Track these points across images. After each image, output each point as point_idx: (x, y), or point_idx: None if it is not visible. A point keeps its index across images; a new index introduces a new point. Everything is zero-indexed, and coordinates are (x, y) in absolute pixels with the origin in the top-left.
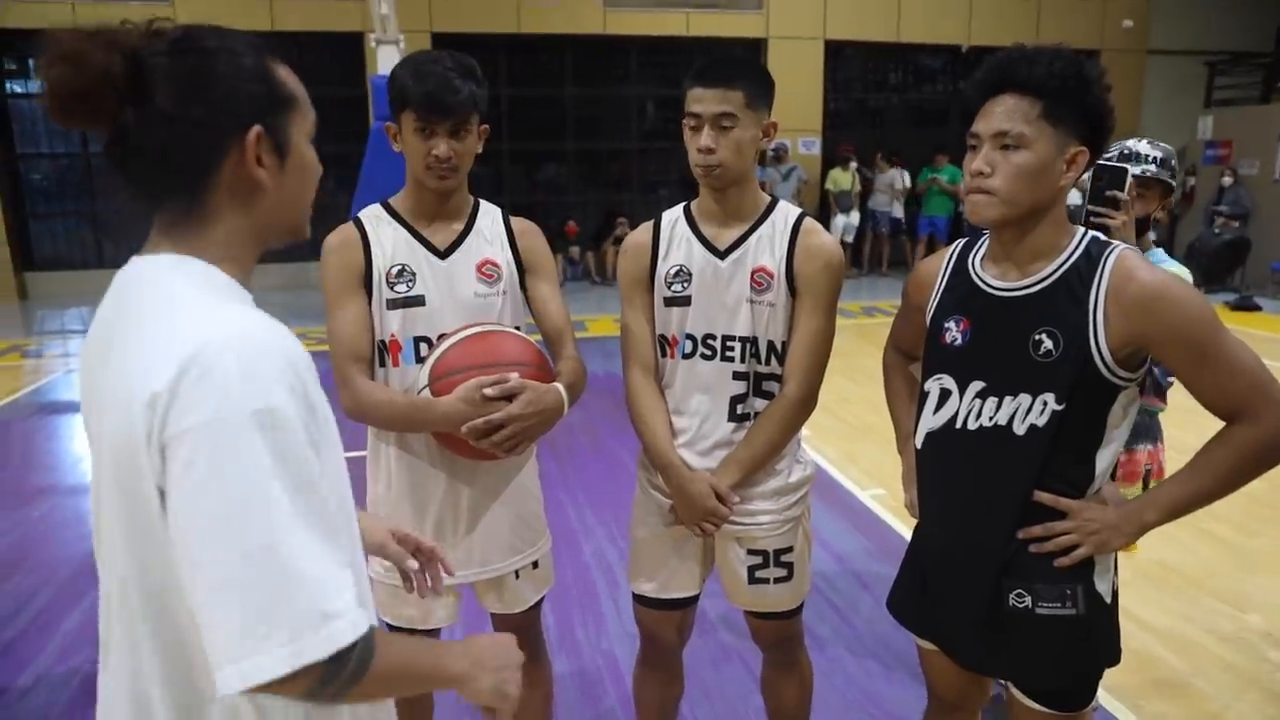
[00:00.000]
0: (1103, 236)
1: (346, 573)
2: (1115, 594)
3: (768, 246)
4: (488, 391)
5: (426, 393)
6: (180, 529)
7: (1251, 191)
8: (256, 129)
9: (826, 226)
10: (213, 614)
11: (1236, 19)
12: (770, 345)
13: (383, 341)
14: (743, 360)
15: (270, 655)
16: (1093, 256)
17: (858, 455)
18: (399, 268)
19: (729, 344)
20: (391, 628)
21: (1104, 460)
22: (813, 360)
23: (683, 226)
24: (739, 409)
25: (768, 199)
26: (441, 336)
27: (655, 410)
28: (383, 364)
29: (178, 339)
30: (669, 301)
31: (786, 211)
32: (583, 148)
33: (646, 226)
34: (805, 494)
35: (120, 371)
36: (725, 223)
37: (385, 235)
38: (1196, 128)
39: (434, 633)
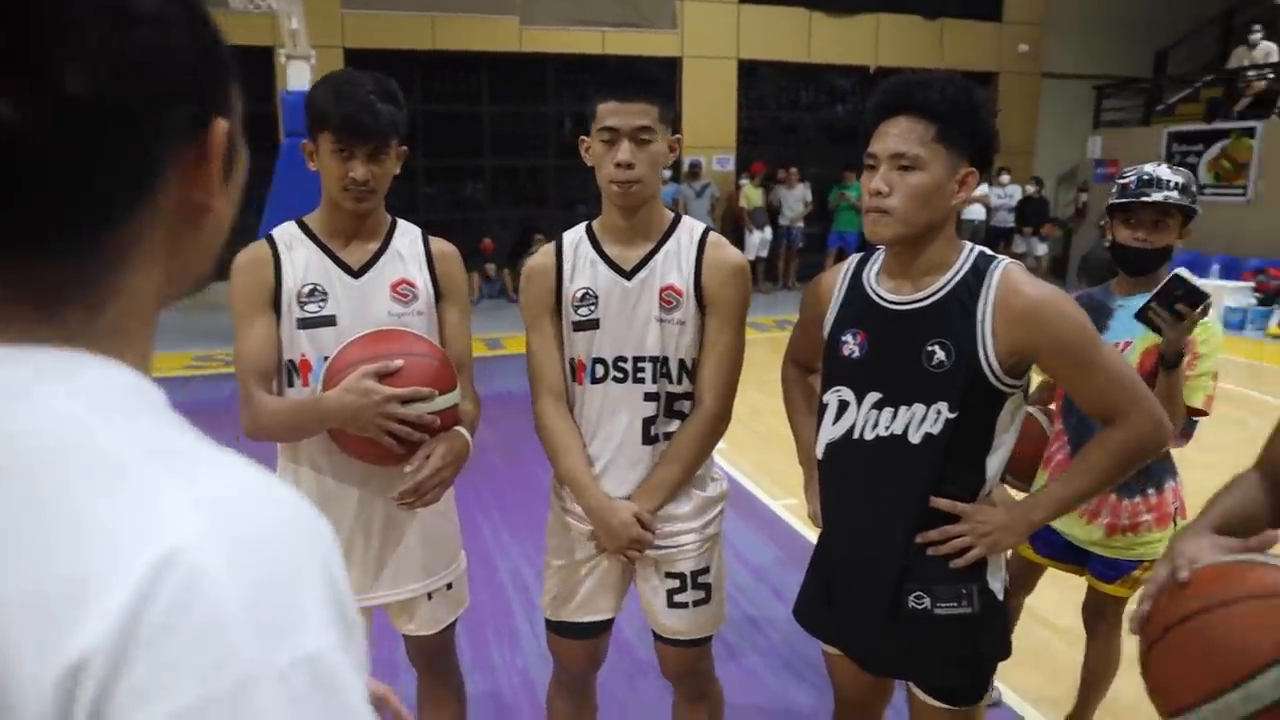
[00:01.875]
0: (989, 251)
1: None
2: (1006, 591)
3: (674, 264)
4: (400, 394)
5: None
6: None
7: None
8: (222, 124)
9: (741, 242)
10: None
11: (1120, 47)
12: (681, 364)
13: (292, 361)
14: (654, 381)
15: None
16: (980, 271)
17: (770, 466)
18: (310, 287)
19: (640, 365)
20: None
21: (994, 464)
22: (725, 375)
23: (586, 248)
24: (652, 430)
25: (671, 215)
26: None
27: (569, 439)
28: (291, 384)
29: (114, 545)
30: (578, 326)
31: (691, 227)
32: (500, 164)
33: (548, 249)
34: (721, 511)
35: None
36: (631, 242)
37: (298, 254)
38: (1087, 147)
39: None
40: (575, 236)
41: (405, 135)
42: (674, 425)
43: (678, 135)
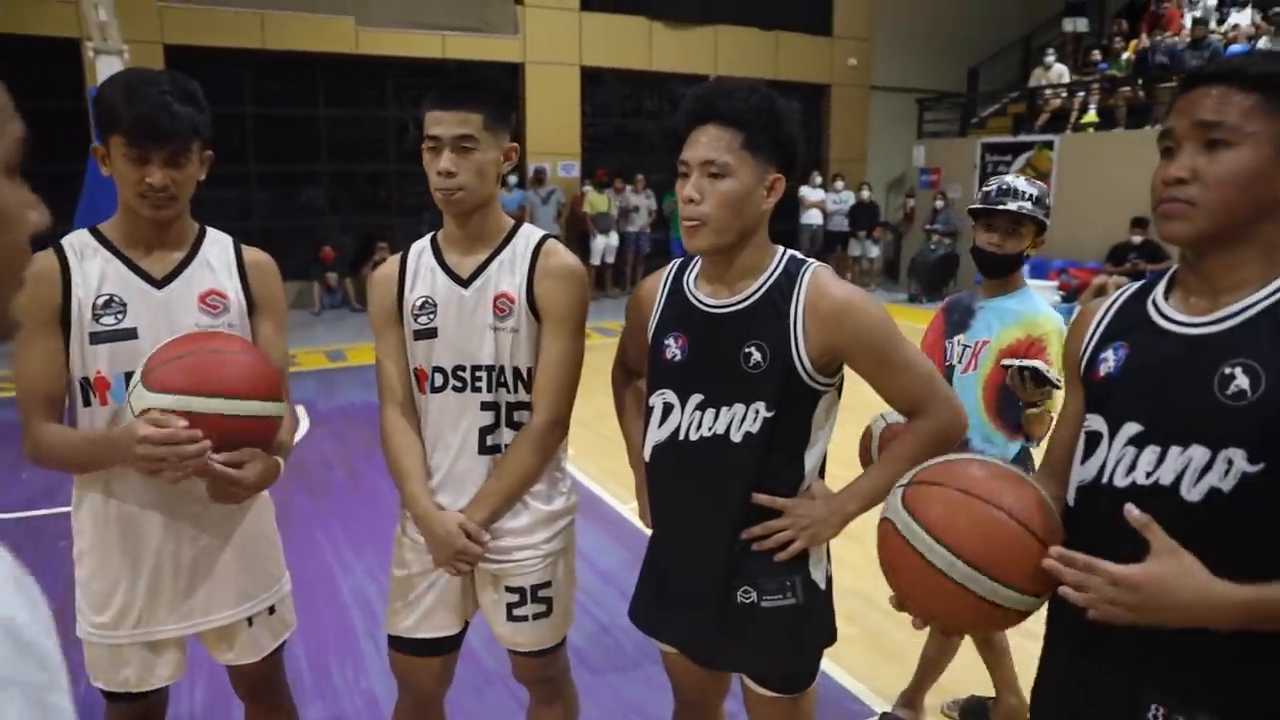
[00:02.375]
0: (800, 255)
1: None
2: (829, 580)
3: (509, 271)
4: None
5: (139, 389)
6: None
7: (959, 212)
8: None
9: (586, 248)
10: None
11: (938, 63)
12: (516, 372)
13: (86, 379)
14: (490, 390)
15: None
16: (791, 274)
17: (616, 470)
18: (106, 298)
19: (477, 374)
20: (108, 694)
21: (811, 460)
22: (559, 384)
23: (428, 256)
24: (489, 440)
25: (511, 223)
26: None
27: (407, 449)
28: (87, 403)
29: None
30: (417, 335)
31: (529, 235)
32: (339, 170)
33: (395, 259)
34: (567, 525)
35: None
36: (469, 250)
37: (91, 264)
38: (913, 155)
39: (158, 693)
40: (421, 245)
41: (207, 137)
42: (511, 435)
43: (514, 143)
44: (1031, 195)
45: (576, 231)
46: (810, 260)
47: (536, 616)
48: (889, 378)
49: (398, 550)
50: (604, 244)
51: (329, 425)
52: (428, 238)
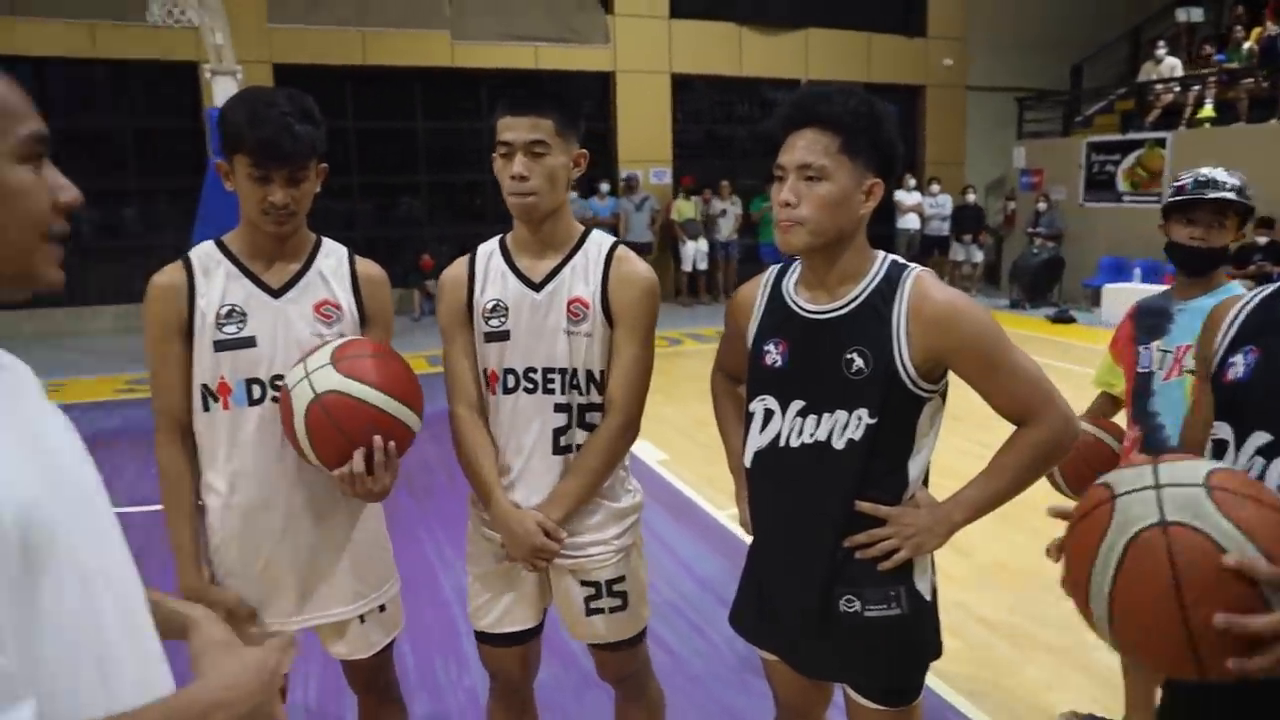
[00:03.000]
0: (901, 260)
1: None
2: (934, 591)
3: (582, 277)
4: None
5: (328, 370)
6: None
7: (1063, 215)
8: None
9: (677, 256)
10: None
11: (1039, 61)
12: (590, 375)
13: (207, 385)
14: (563, 392)
15: None
16: (893, 279)
17: (714, 477)
18: (229, 309)
19: (549, 376)
20: None
21: (915, 468)
22: (632, 388)
23: (498, 259)
24: (562, 440)
25: (581, 229)
26: (276, 378)
27: (480, 448)
28: (207, 409)
29: None
30: (488, 337)
31: (600, 241)
32: (437, 180)
33: (463, 262)
34: (636, 521)
35: None
36: (540, 254)
37: (215, 276)
38: (1012, 157)
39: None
40: (489, 249)
41: (323, 152)
42: (584, 436)
43: (583, 150)
44: (1234, 185)
45: (669, 238)
46: (912, 265)
47: (613, 610)
48: (996, 384)
49: (473, 549)
50: (694, 250)
51: (430, 429)
52: (495, 241)
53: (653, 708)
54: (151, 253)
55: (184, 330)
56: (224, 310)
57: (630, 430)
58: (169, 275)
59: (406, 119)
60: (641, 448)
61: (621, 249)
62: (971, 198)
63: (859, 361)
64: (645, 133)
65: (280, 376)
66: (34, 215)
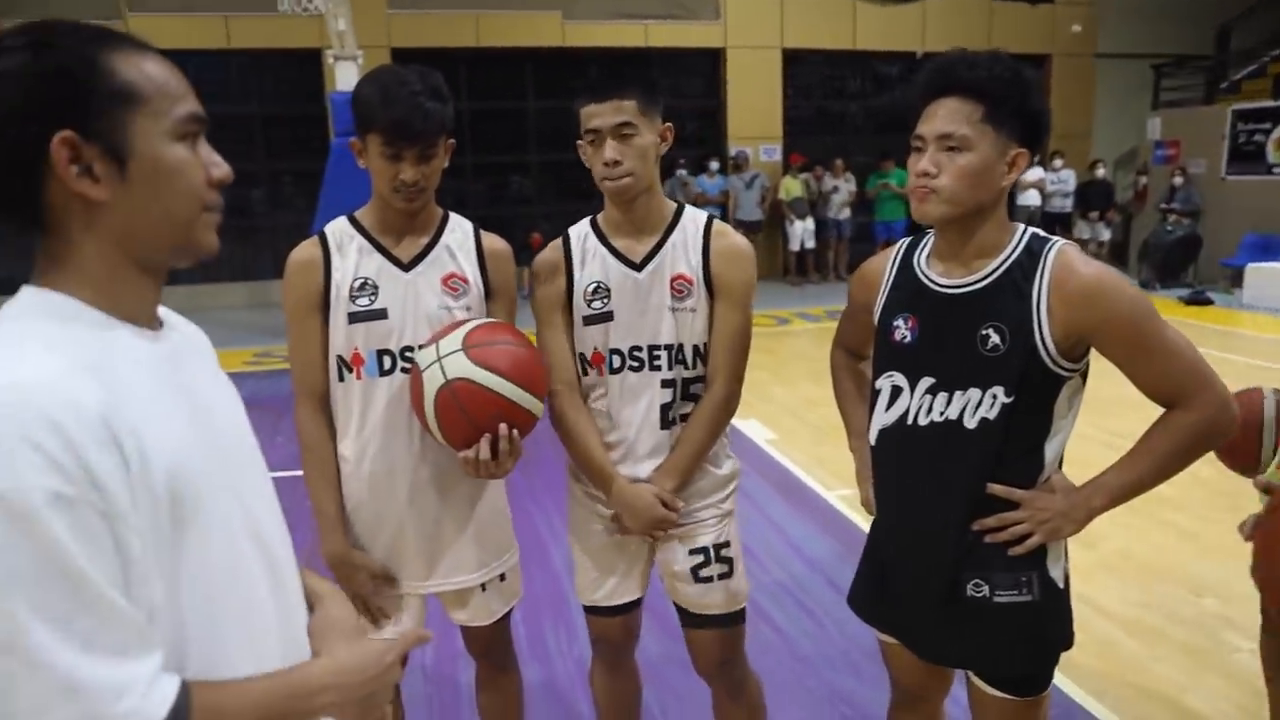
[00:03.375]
0: (1043, 233)
1: (133, 665)
2: (1068, 579)
3: (683, 254)
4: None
5: (460, 356)
6: None
7: (1201, 189)
8: (61, 135)
9: (784, 234)
10: None
11: (1179, 24)
12: (695, 349)
13: (341, 357)
14: (669, 368)
15: None
16: (1034, 252)
17: (824, 458)
18: (361, 281)
19: (655, 353)
20: None
21: (1052, 450)
22: (735, 358)
23: (593, 241)
24: (670, 415)
25: (674, 206)
26: (405, 350)
27: (586, 426)
28: (341, 379)
29: None
30: (590, 320)
31: (695, 217)
32: (547, 159)
33: (557, 245)
34: (735, 488)
35: None
36: (637, 235)
37: (349, 250)
38: (1146, 129)
39: None
40: (581, 231)
41: (452, 129)
42: (689, 408)
43: (668, 124)
44: None
45: (778, 216)
46: (1055, 238)
47: (721, 576)
48: (1145, 364)
49: (575, 520)
50: (801, 229)
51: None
52: (586, 222)
53: (754, 706)
54: (277, 232)
55: (321, 303)
56: (357, 283)
57: (734, 400)
58: (306, 250)
59: (518, 99)
60: (750, 427)
61: (718, 223)
62: (1100, 172)
63: (995, 338)
64: (755, 109)
65: (410, 348)
66: (193, 189)
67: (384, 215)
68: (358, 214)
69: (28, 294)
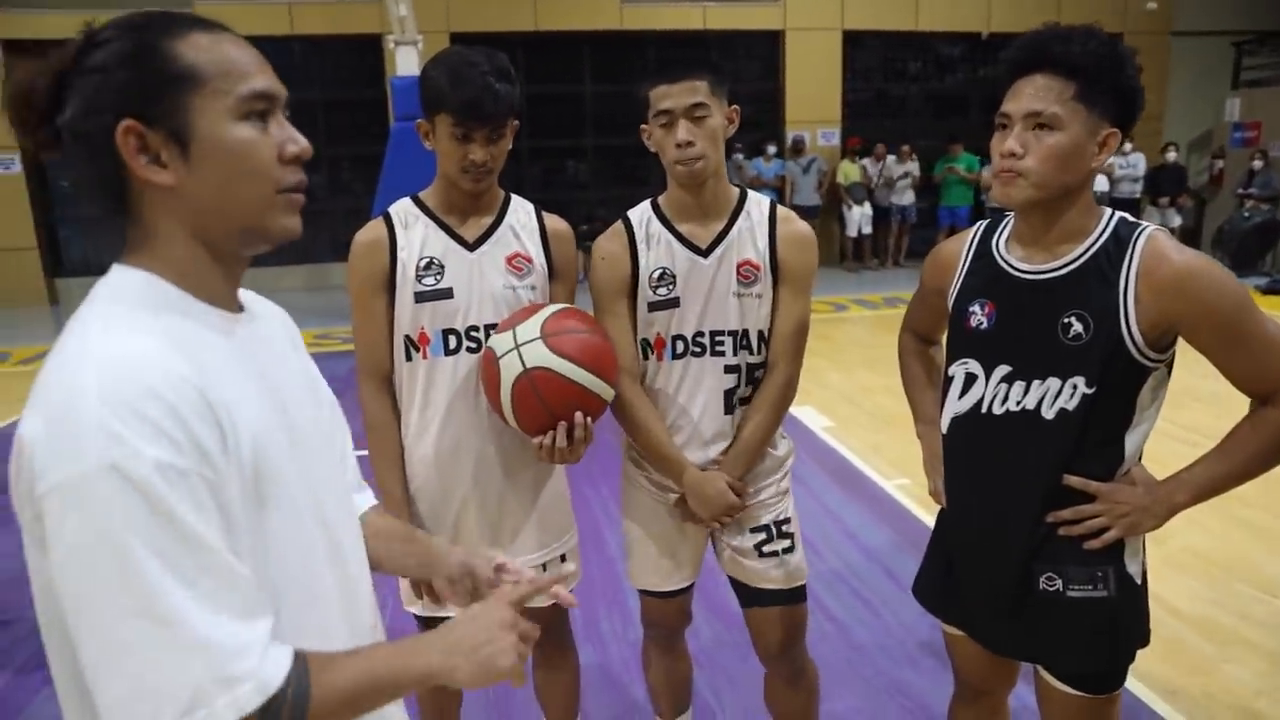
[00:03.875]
0: (1130, 217)
1: (251, 627)
2: (1145, 575)
3: (749, 239)
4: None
5: (539, 345)
6: (61, 599)
7: None
8: (124, 124)
9: (841, 219)
10: (100, 693)
11: None
12: (760, 335)
13: (408, 336)
14: (734, 353)
15: None
16: (1122, 238)
17: (882, 446)
18: (427, 260)
19: (718, 339)
20: (422, 619)
21: (1133, 442)
22: (798, 343)
23: (657, 226)
24: (732, 400)
25: (737, 190)
26: (471, 329)
27: (650, 414)
28: (409, 358)
29: (50, 378)
30: (655, 305)
31: (759, 201)
32: (602, 144)
33: (619, 230)
34: (790, 468)
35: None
36: (702, 219)
37: (414, 230)
38: (1223, 110)
39: None
40: (642, 215)
41: (519, 111)
42: (752, 392)
43: (734, 106)
44: None
45: (835, 201)
46: (1145, 223)
47: (784, 551)
48: (1240, 357)
49: (630, 507)
50: (859, 214)
51: None
52: (646, 207)
53: (810, 693)
54: (336, 216)
55: (387, 283)
56: (423, 262)
57: (795, 383)
58: (371, 231)
59: (574, 83)
60: (806, 414)
61: (782, 209)
62: (1172, 155)
63: (1078, 326)
64: (814, 92)
65: (475, 328)
66: (260, 169)
67: (449, 196)
68: (422, 195)
69: (117, 274)
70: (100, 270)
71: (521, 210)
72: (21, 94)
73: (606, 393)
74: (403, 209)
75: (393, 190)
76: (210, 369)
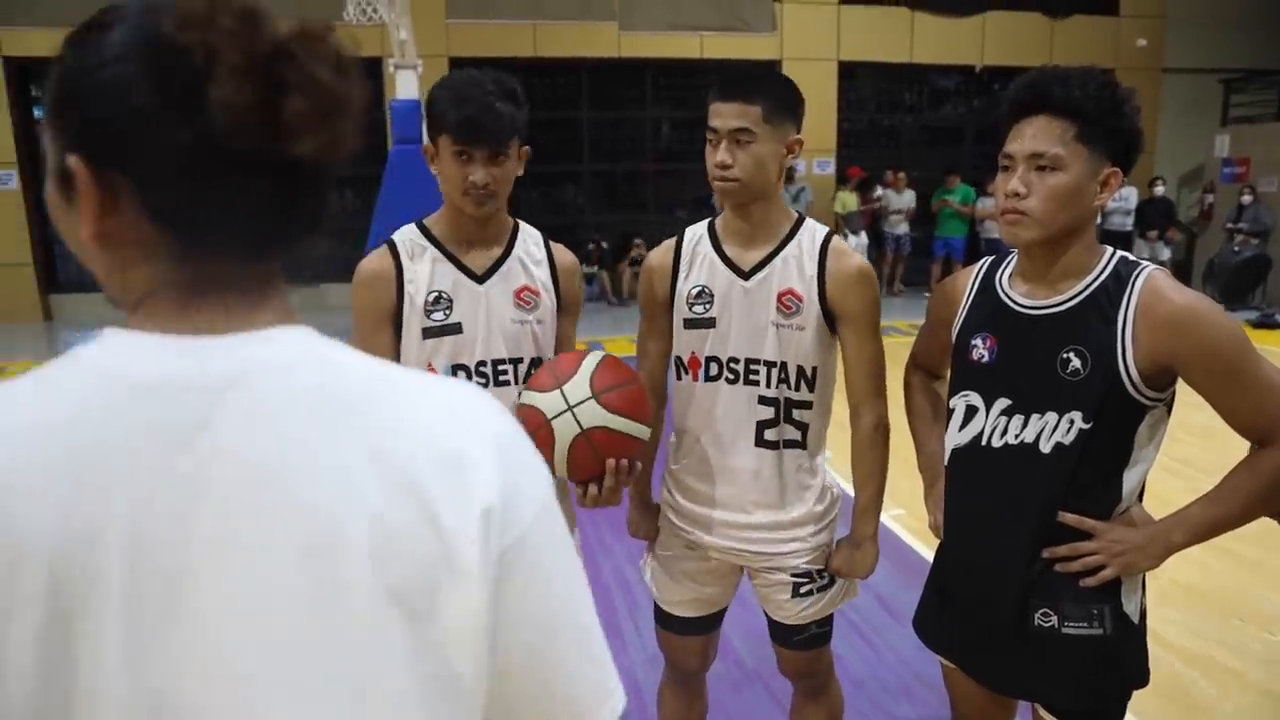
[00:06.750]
0: (1131, 256)
1: None
2: (1143, 614)
3: (795, 268)
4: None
5: (593, 405)
6: (520, 635)
7: (1271, 208)
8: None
9: None
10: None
11: (1251, 36)
12: (800, 371)
13: None
14: (770, 385)
15: None
16: (1122, 276)
17: None
18: (436, 294)
19: (753, 368)
20: None
21: (1131, 480)
22: (876, 383)
23: (705, 245)
24: (766, 435)
25: (795, 217)
26: (480, 364)
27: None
28: None
29: (468, 434)
30: (690, 323)
31: (814, 231)
32: (599, 169)
33: (669, 245)
34: (837, 514)
35: (342, 498)
36: (749, 243)
37: (421, 262)
38: (1213, 145)
39: None
40: (697, 234)
41: (525, 135)
42: (793, 433)
43: (799, 136)
44: None
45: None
46: (1145, 262)
47: (821, 589)
48: (1236, 398)
49: (664, 527)
50: (855, 243)
51: None
52: (703, 225)
53: (833, 708)
54: (333, 237)
55: (393, 316)
56: (431, 296)
57: (884, 423)
58: (377, 261)
59: (572, 109)
60: None
61: (837, 240)
62: (1160, 189)
63: (1076, 362)
64: (810, 122)
65: (484, 363)
66: None
67: (456, 224)
68: (427, 222)
69: (308, 335)
70: (95, 287)
71: (530, 241)
72: None
73: (647, 435)
74: (409, 238)
75: (390, 213)
76: None
